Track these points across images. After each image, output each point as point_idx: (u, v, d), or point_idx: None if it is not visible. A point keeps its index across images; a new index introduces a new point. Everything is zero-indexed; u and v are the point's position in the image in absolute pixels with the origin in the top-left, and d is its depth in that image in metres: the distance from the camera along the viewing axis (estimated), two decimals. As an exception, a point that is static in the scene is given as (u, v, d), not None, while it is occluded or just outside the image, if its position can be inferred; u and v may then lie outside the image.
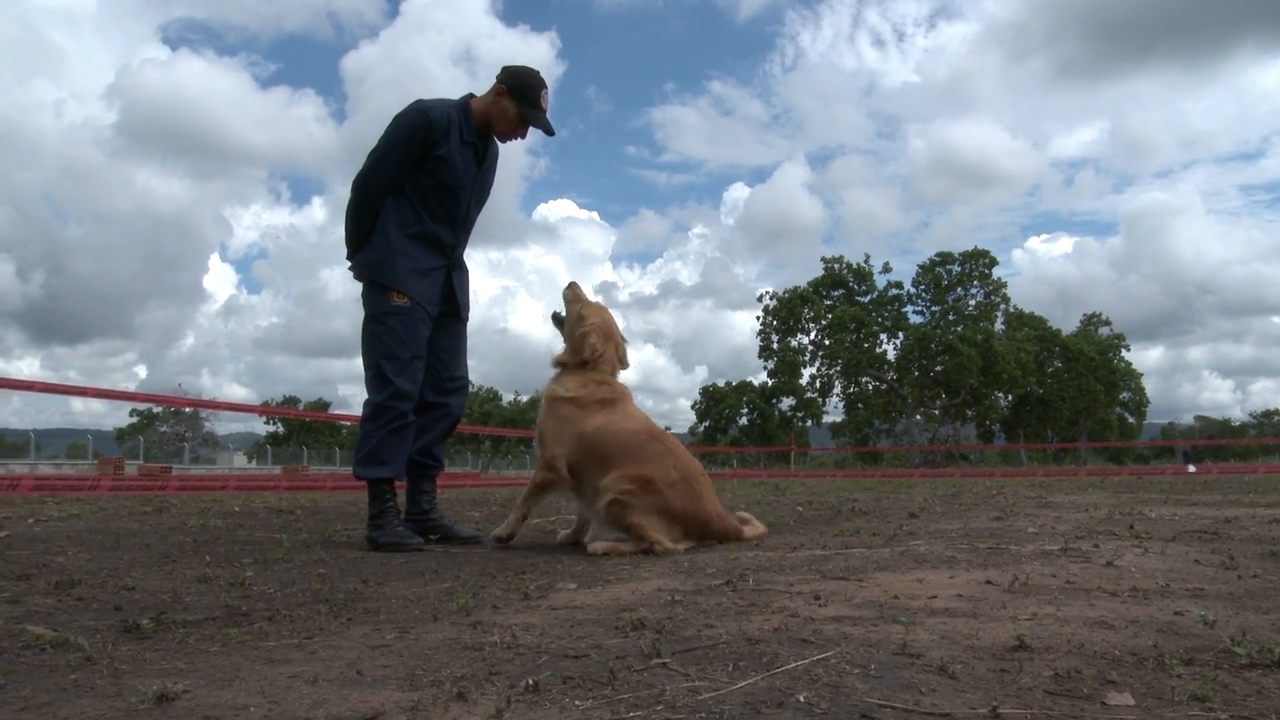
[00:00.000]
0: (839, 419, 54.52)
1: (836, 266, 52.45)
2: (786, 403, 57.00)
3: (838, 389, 51.40)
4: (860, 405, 50.69)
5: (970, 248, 52.91)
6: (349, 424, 36.20)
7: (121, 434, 59.18)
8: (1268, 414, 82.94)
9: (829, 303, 51.48)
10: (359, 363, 3.61)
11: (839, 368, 50.22)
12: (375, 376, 3.50)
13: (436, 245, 3.61)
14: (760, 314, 51.61)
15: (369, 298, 3.57)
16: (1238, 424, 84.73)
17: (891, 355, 50.82)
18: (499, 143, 3.75)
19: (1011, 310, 52.78)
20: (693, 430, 60.05)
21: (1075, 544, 3.07)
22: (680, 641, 1.62)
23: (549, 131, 3.63)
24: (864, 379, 50.61)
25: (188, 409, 54.26)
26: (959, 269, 52.51)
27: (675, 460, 3.21)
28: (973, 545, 3.12)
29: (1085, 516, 4.49)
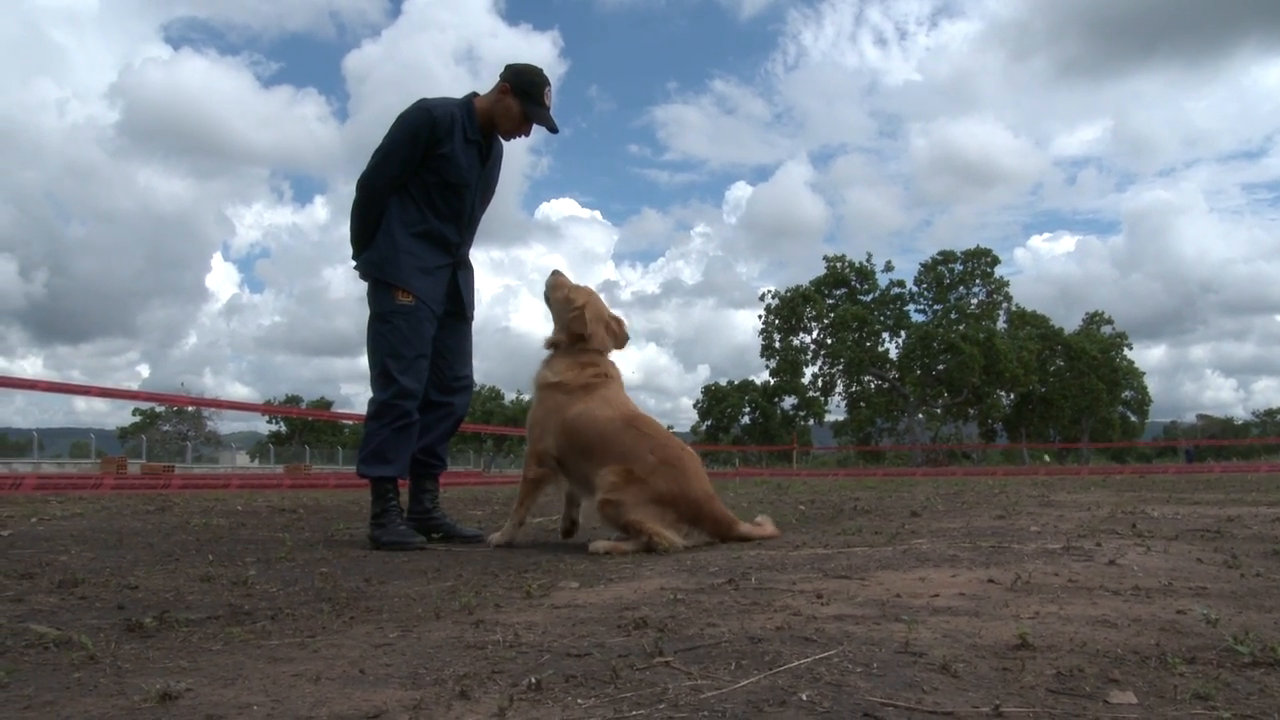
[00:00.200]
0: (841, 418, 54.58)
1: (839, 265, 52.45)
2: (789, 401, 57.03)
3: (840, 388, 51.46)
4: (862, 404, 50.66)
5: (972, 246, 53.08)
6: (351, 423, 36.22)
7: (124, 433, 59.35)
8: (1270, 413, 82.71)
9: (831, 301, 51.48)
10: (361, 361, 3.63)
11: (841, 366, 50.22)
12: (380, 375, 3.50)
13: (442, 244, 3.61)
14: (762, 313, 51.70)
15: (374, 296, 3.57)
16: (1240, 423, 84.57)
17: (894, 354, 50.86)
18: (503, 141, 3.75)
19: (1014, 309, 52.79)
20: (695, 429, 60.04)
21: (1078, 543, 3.06)
22: (683, 640, 1.62)
23: (553, 128, 3.62)
24: (866, 378, 50.59)
25: (190, 408, 54.29)
26: (961, 268, 52.52)
27: (653, 444, 3.20)
28: (975, 544, 3.12)
29: (1087, 515, 4.49)
